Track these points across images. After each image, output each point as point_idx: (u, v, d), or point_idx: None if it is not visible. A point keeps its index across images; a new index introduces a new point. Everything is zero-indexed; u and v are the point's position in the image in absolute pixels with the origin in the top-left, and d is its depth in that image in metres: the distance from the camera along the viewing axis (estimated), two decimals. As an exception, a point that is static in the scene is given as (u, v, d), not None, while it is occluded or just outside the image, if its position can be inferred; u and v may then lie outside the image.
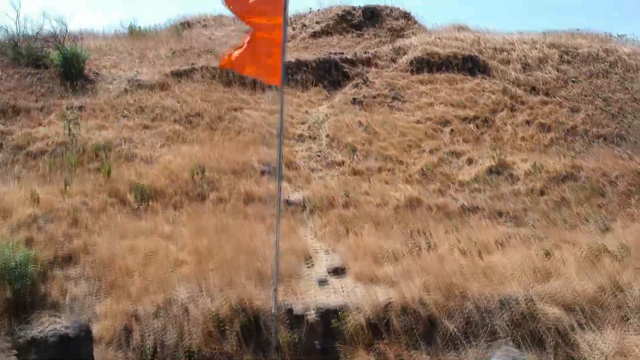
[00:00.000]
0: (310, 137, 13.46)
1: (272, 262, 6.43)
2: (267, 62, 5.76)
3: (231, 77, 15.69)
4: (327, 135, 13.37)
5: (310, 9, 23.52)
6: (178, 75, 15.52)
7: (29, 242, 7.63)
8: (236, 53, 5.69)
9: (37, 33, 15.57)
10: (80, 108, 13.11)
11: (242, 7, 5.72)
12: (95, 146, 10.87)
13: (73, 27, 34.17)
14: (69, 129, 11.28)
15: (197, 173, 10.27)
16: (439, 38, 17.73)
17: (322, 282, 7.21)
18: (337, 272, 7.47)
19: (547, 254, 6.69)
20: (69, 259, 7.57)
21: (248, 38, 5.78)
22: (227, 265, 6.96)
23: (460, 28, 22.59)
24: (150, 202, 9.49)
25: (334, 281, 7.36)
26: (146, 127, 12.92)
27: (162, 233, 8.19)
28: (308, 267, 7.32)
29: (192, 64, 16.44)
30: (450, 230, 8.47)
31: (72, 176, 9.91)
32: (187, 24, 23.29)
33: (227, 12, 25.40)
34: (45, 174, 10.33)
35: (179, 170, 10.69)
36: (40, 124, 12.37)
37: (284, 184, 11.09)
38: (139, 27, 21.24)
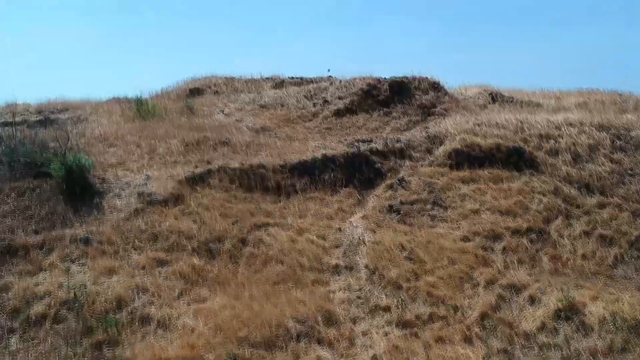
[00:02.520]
0: (346, 267, 11.86)
1: None
2: None
3: (252, 182, 14.16)
4: (367, 266, 11.77)
5: (329, 70, 21.98)
6: (193, 181, 13.95)
7: None
8: None
9: (34, 138, 14.01)
10: (86, 241, 11.54)
11: None
12: (106, 322, 9.29)
13: (76, 95, 32.59)
14: (75, 294, 9.73)
15: (227, 364, 8.70)
16: (477, 125, 16.11)
17: None
18: None
19: None
20: None
21: None
22: None
23: (492, 94, 21.14)
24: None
25: None
26: (161, 262, 11.38)
27: None
28: None
29: (208, 162, 14.89)
30: None
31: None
32: (196, 91, 21.70)
33: (237, 73, 23.87)
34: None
35: (203, 345, 9.12)
36: (40, 269, 10.84)
37: (324, 353, 9.57)
38: (146, 100, 19.70)
